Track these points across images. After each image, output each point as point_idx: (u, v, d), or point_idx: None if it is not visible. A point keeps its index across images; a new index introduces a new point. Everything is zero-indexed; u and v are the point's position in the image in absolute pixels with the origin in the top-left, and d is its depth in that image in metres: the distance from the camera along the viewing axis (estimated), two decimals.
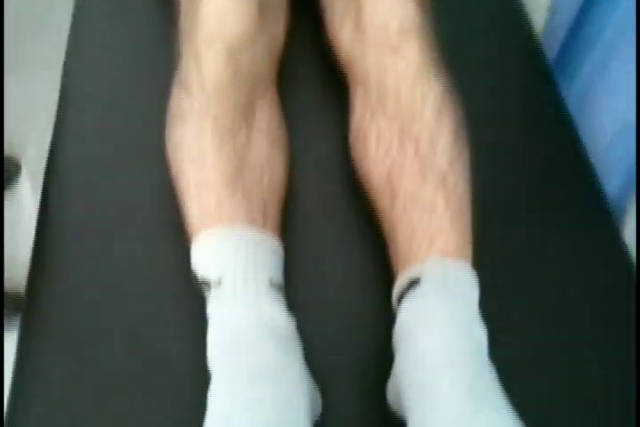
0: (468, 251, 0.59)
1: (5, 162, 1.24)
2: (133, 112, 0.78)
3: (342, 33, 0.72)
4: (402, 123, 0.64)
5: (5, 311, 1.01)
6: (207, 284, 0.56)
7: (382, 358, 0.57)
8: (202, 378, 0.51)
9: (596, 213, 0.72)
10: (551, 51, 0.89)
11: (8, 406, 0.58)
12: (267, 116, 0.67)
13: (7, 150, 1.27)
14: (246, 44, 0.66)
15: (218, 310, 0.54)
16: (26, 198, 1.21)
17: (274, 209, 0.63)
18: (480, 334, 0.53)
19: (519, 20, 0.89)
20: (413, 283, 0.56)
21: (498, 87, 0.82)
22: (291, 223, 0.66)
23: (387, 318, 0.58)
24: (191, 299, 0.60)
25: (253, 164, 0.63)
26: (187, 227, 0.61)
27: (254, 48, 0.67)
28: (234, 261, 0.55)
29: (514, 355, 0.58)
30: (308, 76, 0.80)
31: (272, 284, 0.56)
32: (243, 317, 0.52)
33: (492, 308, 0.55)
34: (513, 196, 0.73)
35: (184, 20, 0.70)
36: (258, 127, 0.66)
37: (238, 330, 0.51)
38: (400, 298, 0.57)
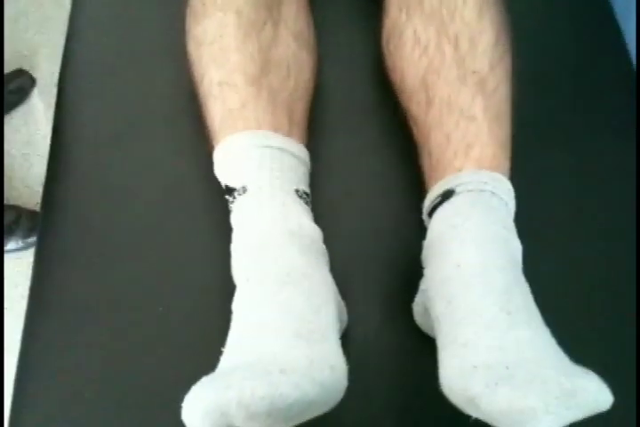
0: (506, 162, 0.55)
1: (19, 75, 1.20)
2: (150, 9, 0.73)
3: None
4: (440, 21, 0.59)
5: (22, 229, 1.01)
6: (231, 190, 0.53)
7: (410, 270, 0.55)
8: (224, 289, 0.50)
9: (634, 120, 0.68)
10: None
11: (26, 318, 0.57)
12: (293, 12, 0.62)
13: (21, 64, 1.23)
14: None
15: (243, 215, 0.51)
16: (39, 112, 1.18)
17: (300, 114, 0.59)
18: (515, 248, 0.50)
19: None
20: (447, 194, 0.53)
21: None
22: (318, 130, 0.62)
23: (417, 229, 0.56)
24: (213, 206, 0.58)
25: (279, 63, 0.59)
26: (209, 130, 0.57)
27: None
28: (259, 168, 0.52)
29: (548, 271, 0.56)
30: None
31: (299, 194, 0.53)
32: (270, 222, 0.50)
33: (526, 222, 0.53)
34: (549, 103, 0.68)
35: None
36: (284, 24, 0.61)
37: (265, 234, 0.49)
38: (432, 209, 0.55)
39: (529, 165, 0.59)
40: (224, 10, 0.58)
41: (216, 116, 0.56)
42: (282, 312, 0.45)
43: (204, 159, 0.58)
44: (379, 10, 0.65)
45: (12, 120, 1.15)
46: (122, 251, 0.60)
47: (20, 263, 1.01)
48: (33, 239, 1.02)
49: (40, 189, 0.64)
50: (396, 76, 0.62)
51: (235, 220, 0.52)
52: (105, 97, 0.68)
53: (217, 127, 0.56)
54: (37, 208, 1.03)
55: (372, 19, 0.66)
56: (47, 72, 1.18)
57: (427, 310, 0.51)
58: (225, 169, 0.55)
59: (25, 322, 0.57)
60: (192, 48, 0.60)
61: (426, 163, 0.58)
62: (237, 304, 0.47)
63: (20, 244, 1.02)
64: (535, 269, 0.50)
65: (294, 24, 0.62)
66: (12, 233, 1.01)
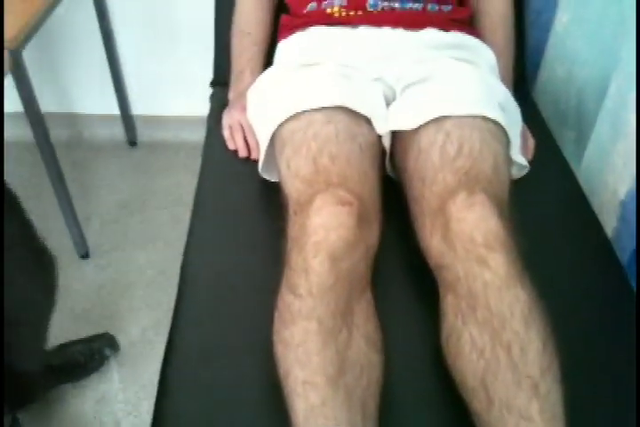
0: None
1: (102, 340, 1.29)
2: (244, 309, 0.84)
3: (432, 242, 0.79)
4: (492, 330, 0.69)
5: None
6: None
7: None
8: None
9: None
10: (623, 256, 0.95)
11: None
12: (364, 318, 0.73)
13: (104, 327, 1.34)
14: (347, 253, 0.74)
15: None
16: (115, 378, 1.26)
17: (372, 410, 0.67)
18: None
19: (595, 230, 0.97)
20: None
21: (573, 290, 0.86)
22: (386, 421, 0.68)
23: None
24: None
25: (353, 364, 0.68)
26: (292, 422, 0.64)
27: (353, 256, 0.75)
28: None
29: None
30: (400, 278, 0.87)
31: None
32: None
33: None
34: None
35: (293, 231, 0.79)
36: (356, 329, 0.71)
37: None
38: None
39: None
40: (308, 318, 0.69)
41: (299, 411, 0.64)
42: None
43: None
44: (436, 309, 0.76)
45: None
46: None
47: None
48: None
49: None
50: (456, 373, 0.71)
51: None
52: (204, 379, 0.76)
53: (300, 422, 0.63)
54: None
55: (432, 316, 0.77)
56: (126, 339, 1.31)
57: None
58: None
59: None
60: (280, 349, 0.70)
61: None
62: None
63: None
64: None
65: (365, 328, 0.72)
66: None
